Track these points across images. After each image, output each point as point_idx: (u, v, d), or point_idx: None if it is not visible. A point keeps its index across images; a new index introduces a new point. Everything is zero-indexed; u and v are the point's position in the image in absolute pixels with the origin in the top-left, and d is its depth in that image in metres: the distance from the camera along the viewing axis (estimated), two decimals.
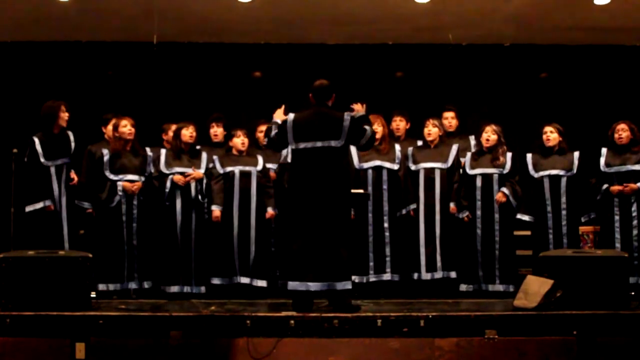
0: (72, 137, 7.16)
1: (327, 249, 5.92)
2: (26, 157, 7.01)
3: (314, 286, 5.88)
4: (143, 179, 7.10)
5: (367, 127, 6.10)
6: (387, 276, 7.23)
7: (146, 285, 7.05)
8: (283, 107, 6.33)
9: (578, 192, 7.24)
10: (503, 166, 7.21)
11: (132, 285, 6.98)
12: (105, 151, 7.07)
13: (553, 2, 7.80)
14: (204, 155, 7.29)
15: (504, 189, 7.17)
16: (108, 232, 6.99)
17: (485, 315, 5.76)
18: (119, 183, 6.99)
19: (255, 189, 7.22)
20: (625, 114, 7.61)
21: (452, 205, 7.30)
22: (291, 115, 6.16)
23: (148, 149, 7.29)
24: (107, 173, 7.01)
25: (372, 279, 7.19)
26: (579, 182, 7.24)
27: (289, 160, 7.33)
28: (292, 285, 5.94)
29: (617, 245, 7.05)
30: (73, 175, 7.06)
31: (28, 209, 6.91)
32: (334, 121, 6.04)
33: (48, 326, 5.67)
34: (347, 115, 6.06)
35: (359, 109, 6.15)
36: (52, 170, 7.00)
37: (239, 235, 7.15)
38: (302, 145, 6.05)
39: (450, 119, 7.68)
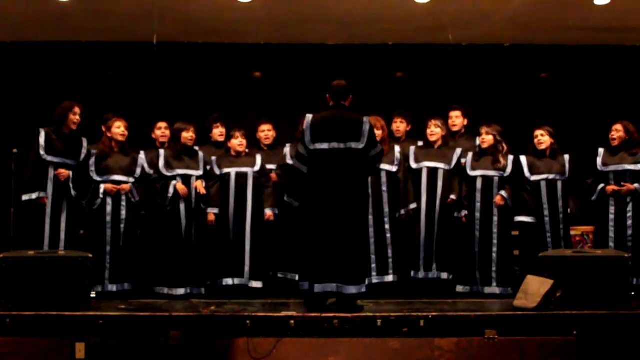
0: (85, 144, 7.15)
1: (346, 251, 5.91)
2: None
3: (335, 287, 5.89)
4: (132, 179, 7.06)
5: (379, 144, 6.16)
6: (389, 278, 7.23)
7: (127, 287, 6.93)
8: None
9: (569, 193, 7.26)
10: (504, 169, 7.20)
11: (114, 288, 6.88)
12: (93, 152, 7.04)
13: (553, 2, 7.79)
14: (201, 155, 7.28)
15: (503, 192, 7.16)
16: (92, 234, 6.97)
17: (485, 315, 5.77)
18: (102, 185, 6.97)
19: (251, 190, 7.20)
20: (625, 115, 7.62)
21: (452, 196, 7.27)
22: (309, 116, 6.11)
23: (142, 154, 7.23)
24: (92, 174, 6.99)
25: (375, 280, 7.16)
26: (571, 184, 7.25)
27: (288, 161, 7.34)
28: (318, 287, 5.92)
29: (611, 244, 7.06)
30: (62, 170, 6.98)
31: (24, 198, 6.91)
32: (354, 124, 6.02)
33: (48, 326, 5.67)
34: (366, 119, 6.06)
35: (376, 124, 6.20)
36: (52, 167, 6.99)
37: (234, 236, 7.14)
38: (319, 146, 6.01)
39: (455, 118, 7.67)
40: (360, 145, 6.00)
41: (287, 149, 7.42)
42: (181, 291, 6.99)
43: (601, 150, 7.29)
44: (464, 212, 7.24)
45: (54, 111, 7.08)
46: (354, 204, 5.97)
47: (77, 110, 7.05)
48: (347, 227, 5.93)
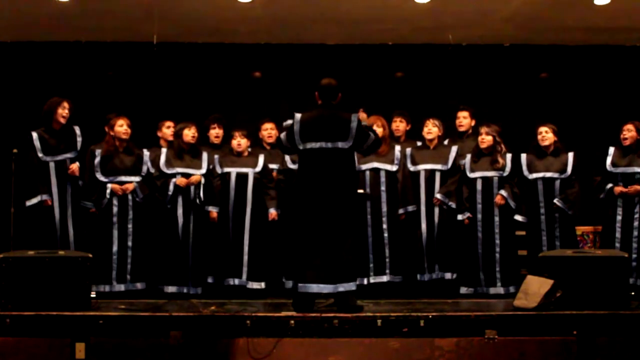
0: (78, 132, 7.15)
1: (335, 250, 5.90)
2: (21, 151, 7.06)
3: (324, 288, 5.85)
4: (138, 179, 7.07)
5: (370, 133, 6.12)
6: (386, 277, 7.22)
7: (139, 286, 6.98)
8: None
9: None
10: (503, 168, 7.19)
11: (121, 288, 6.91)
12: (98, 152, 7.04)
13: (553, 2, 7.80)
14: (205, 154, 7.28)
15: (503, 192, 7.16)
16: (99, 234, 6.98)
17: (485, 315, 5.77)
18: (108, 185, 6.97)
19: (251, 191, 7.20)
20: (625, 114, 7.62)
21: (438, 195, 7.26)
22: (298, 115, 6.11)
23: (146, 150, 7.26)
24: (98, 175, 6.99)
25: (372, 280, 7.17)
26: (575, 181, 7.21)
27: (289, 165, 7.34)
28: (302, 287, 5.89)
29: (617, 245, 7.04)
30: (73, 166, 7.02)
31: (28, 203, 6.93)
32: (341, 122, 6.02)
33: (48, 326, 5.67)
34: (354, 117, 6.04)
35: (363, 117, 6.13)
36: (52, 165, 7.00)
37: (233, 237, 7.14)
38: (309, 146, 6.02)
39: (462, 119, 7.67)
40: (348, 145, 6.00)
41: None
42: (173, 289, 6.99)
43: (611, 150, 7.24)
44: (467, 215, 7.23)
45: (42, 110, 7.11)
46: (342, 204, 5.97)
47: (65, 105, 7.05)
48: (334, 226, 5.92)
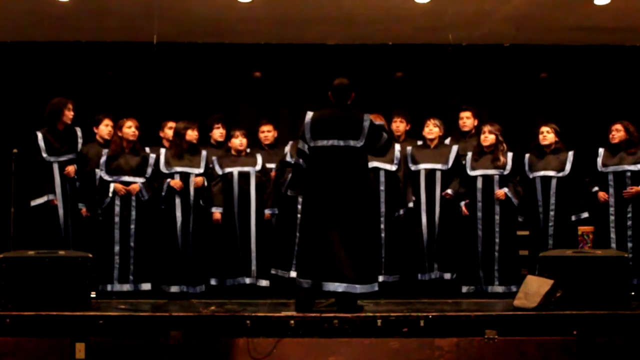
0: (79, 133, 7.20)
1: (351, 250, 5.88)
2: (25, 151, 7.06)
3: (361, 288, 5.84)
4: (143, 180, 7.07)
5: (383, 133, 6.13)
6: (382, 277, 7.20)
7: (143, 287, 6.97)
8: None
9: (570, 191, 7.22)
10: (504, 167, 7.20)
11: (127, 287, 6.92)
12: (105, 151, 7.06)
13: (553, 2, 7.80)
14: (204, 153, 7.28)
15: (505, 189, 7.16)
16: (101, 233, 6.98)
17: (485, 315, 5.77)
18: (111, 184, 6.97)
19: (254, 189, 7.23)
20: (624, 115, 7.63)
21: (448, 191, 7.26)
22: (309, 114, 6.11)
23: (147, 149, 7.27)
24: (103, 174, 6.99)
25: None
26: (572, 182, 7.22)
27: (287, 159, 7.35)
28: (326, 286, 5.86)
29: (613, 245, 7.06)
30: (69, 167, 7.04)
31: (33, 203, 6.94)
32: (354, 121, 6.02)
33: (48, 326, 5.67)
34: (366, 116, 6.05)
35: (379, 120, 6.13)
36: (56, 166, 7.03)
37: (241, 236, 7.16)
38: (320, 143, 6.01)
39: (465, 119, 7.70)
40: (360, 143, 5.99)
41: (287, 148, 7.43)
42: (176, 289, 6.99)
43: (601, 151, 7.29)
44: (463, 202, 7.22)
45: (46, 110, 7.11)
46: (353, 202, 5.95)
47: (70, 105, 7.10)
48: (346, 224, 5.91)
